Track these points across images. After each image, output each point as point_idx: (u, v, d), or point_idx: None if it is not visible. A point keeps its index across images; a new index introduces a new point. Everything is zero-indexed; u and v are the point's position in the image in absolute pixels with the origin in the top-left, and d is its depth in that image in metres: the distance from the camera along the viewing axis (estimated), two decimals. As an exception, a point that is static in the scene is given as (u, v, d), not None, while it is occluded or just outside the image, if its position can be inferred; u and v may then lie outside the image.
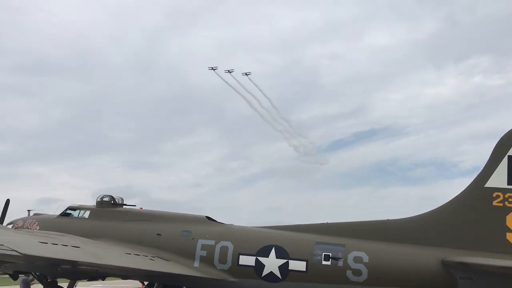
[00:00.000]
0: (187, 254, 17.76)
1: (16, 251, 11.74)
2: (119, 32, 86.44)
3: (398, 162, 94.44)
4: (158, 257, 17.53)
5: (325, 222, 17.55)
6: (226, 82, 58.37)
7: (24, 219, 21.60)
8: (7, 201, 22.93)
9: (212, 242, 17.58)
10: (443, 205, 16.41)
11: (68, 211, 20.77)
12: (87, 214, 20.28)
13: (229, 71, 58.54)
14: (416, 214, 16.90)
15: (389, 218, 17.15)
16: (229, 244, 17.32)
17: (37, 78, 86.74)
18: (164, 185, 79.64)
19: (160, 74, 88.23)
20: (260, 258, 16.78)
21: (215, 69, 58.73)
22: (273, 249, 16.71)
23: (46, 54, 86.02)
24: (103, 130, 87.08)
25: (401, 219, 16.92)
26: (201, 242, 17.75)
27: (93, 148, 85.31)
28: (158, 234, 18.52)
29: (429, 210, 16.53)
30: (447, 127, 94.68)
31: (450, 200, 16.40)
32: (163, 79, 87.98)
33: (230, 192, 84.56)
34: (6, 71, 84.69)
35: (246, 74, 58.47)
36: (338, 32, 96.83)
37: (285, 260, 16.49)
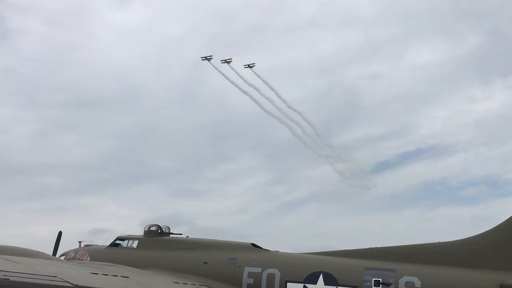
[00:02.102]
0: (233, 282, 17.66)
1: (68, 282, 12.01)
2: (163, 65, 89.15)
3: (448, 181, 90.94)
4: (205, 285, 17.50)
5: (373, 246, 17.08)
6: (222, 74, 55.79)
7: (75, 251, 22.20)
8: (60, 234, 23.69)
9: (258, 270, 17.42)
10: (498, 225, 15.62)
11: (117, 242, 21.19)
12: (135, 244, 20.63)
13: (226, 61, 55.89)
14: (469, 235, 16.14)
15: (441, 241, 16.50)
16: (275, 271, 17.11)
17: (87, 113, 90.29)
18: (209, 212, 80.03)
19: (203, 103, 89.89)
20: (308, 286, 16.45)
21: (210, 58, 55.94)
22: (321, 276, 16.36)
23: (95, 90, 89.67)
24: (149, 160, 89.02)
25: (453, 241, 16.22)
26: (247, 269, 17.63)
27: (139, 178, 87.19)
28: (204, 263, 18.55)
29: (483, 231, 15.76)
30: (497, 143, 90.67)
31: (506, 220, 15.58)
32: (206, 108, 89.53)
33: (274, 217, 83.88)
34: (58, 107, 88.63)
35: (249, 66, 55.80)
36: (378, 51, 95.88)
37: (334, 287, 16.11)
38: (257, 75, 54.24)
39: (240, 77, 53.86)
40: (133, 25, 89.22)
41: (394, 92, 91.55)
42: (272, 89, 54.01)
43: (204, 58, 56.07)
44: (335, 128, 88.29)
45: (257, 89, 53.57)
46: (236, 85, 54.19)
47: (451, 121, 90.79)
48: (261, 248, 18.86)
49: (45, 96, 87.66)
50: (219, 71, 55.45)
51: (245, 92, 53.98)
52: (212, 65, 55.51)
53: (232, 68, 55.39)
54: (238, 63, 55.28)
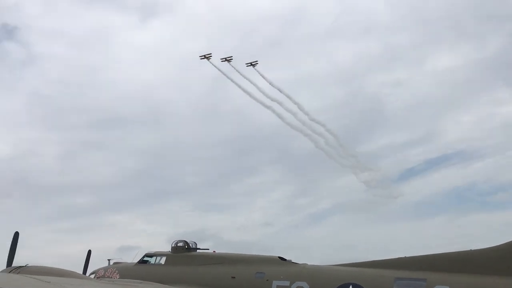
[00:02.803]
0: (262, 296, 17.59)
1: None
2: (184, 82, 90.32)
3: (476, 187, 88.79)
4: (234, 300, 17.51)
5: (403, 256, 16.80)
6: (222, 72, 53.84)
7: (105, 269, 22.50)
8: (89, 252, 24.09)
9: (286, 283, 17.31)
10: (531, 231, 15.22)
11: (146, 258, 21.41)
12: (163, 260, 20.81)
13: (226, 59, 53.80)
14: (501, 242, 15.72)
15: (472, 248, 16.13)
16: (304, 284, 16.98)
17: (112, 132, 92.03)
18: (234, 226, 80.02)
19: (224, 117, 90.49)
20: (337, 298, 16.26)
21: (209, 57, 54.00)
22: (351, 288, 16.17)
23: (119, 109, 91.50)
24: (174, 176, 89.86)
25: (485, 248, 15.78)
26: (275, 283, 17.52)
27: (165, 194, 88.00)
28: (232, 277, 18.55)
29: (516, 237, 15.34)
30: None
31: (539, 225, 15.11)
32: (228, 122, 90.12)
33: (300, 230, 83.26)
34: (84, 128, 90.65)
35: (252, 64, 53.88)
36: (399, 58, 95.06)
37: (364, 299, 15.86)
38: (279, 89, 53.30)
39: (261, 91, 53.34)
40: (154, 43, 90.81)
41: (417, 98, 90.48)
42: (295, 103, 53.41)
43: (203, 57, 54.38)
44: (358, 137, 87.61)
45: (279, 103, 52.99)
46: (252, 96, 53.59)
47: (477, 125, 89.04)
48: (288, 261, 18.76)
49: (72, 117, 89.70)
50: (219, 70, 53.65)
51: (268, 107, 53.30)
52: (212, 64, 53.90)
53: (234, 67, 53.65)
54: (240, 61, 54.99)
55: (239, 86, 53.09)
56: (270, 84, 53.13)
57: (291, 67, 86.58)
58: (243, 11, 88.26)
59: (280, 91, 53.17)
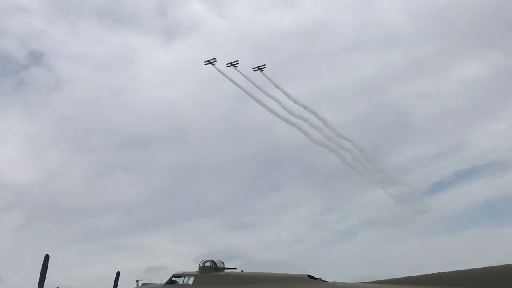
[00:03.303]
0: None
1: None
2: (207, 100, 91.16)
3: (510, 199, 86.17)
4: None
5: (436, 272, 16.30)
6: (226, 76, 52.77)
7: (134, 290, 22.50)
8: (118, 274, 24.16)
9: (317, 302, 16.97)
10: None
11: (174, 279, 21.29)
12: (191, 280, 20.66)
13: (232, 64, 52.53)
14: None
15: (509, 263, 15.54)
16: (335, 303, 16.60)
17: (137, 153, 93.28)
18: (262, 244, 79.47)
19: (247, 135, 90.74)
20: (370, 316, 15.81)
21: (214, 63, 52.71)
22: (384, 306, 15.70)
23: (144, 129, 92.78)
24: (200, 194, 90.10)
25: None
26: (306, 302, 17.22)
27: (191, 213, 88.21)
28: (261, 297, 18.30)
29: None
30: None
31: None
32: (251, 139, 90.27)
33: (329, 246, 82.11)
34: (110, 149, 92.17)
35: (259, 69, 52.60)
36: (423, 69, 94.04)
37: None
38: (304, 106, 52.73)
39: (285, 109, 52.77)
40: (176, 64, 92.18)
41: (444, 109, 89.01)
42: (320, 119, 52.87)
43: (207, 62, 53.15)
44: (384, 150, 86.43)
45: (304, 119, 52.44)
46: (277, 115, 53.14)
47: (509, 135, 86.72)
48: (318, 279, 18.42)
49: (98, 139, 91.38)
50: (224, 75, 52.81)
51: (293, 124, 52.80)
52: (217, 69, 52.94)
53: (239, 72, 52.69)
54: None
55: (264, 106, 52.39)
56: (295, 102, 52.46)
57: (313, 82, 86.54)
58: (263, 28, 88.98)
59: (305, 108, 52.53)
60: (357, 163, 53.92)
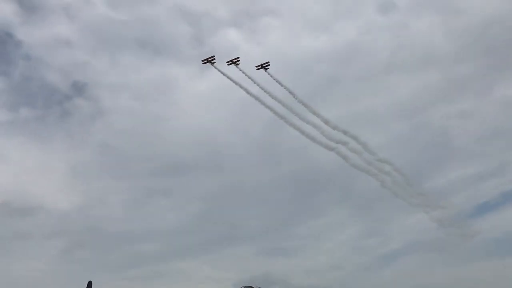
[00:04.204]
0: None
1: None
2: (243, 126, 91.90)
3: None
4: None
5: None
6: (226, 76, 51.02)
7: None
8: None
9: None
10: None
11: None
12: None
13: (232, 62, 50.31)
14: None
15: None
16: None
17: (175, 179, 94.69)
18: (301, 270, 78.21)
19: (283, 159, 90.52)
20: None
21: (213, 61, 50.36)
22: None
23: (181, 155, 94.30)
24: (237, 219, 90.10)
25: None
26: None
27: (230, 239, 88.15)
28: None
29: None
30: None
31: None
32: (288, 163, 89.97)
33: (370, 272, 79.83)
34: (149, 175, 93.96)
35: (263, 67, 51.16)
36: (463, 89, 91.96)
37: None
38: (343, 131, 51.43)
39: (322, 134, 51.61)
40: (213, 90, 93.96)
41: (486, 128, 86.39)
42: (360, 143, 51.43)
43: (205, 61, 50.92)
44: (425, 172, 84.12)
45: (344, 143, 51.09)
46: (314, 140, 51.98)
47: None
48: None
49: (138, 166, 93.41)
50: (223, 73, 50.93)
51: (331, 149, 51.45)
52: (216, 68, 50.99)
53: (240, 70, 50.48)
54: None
55: (303, 133, 50.93)
56: (333, 128, 51.02)
57: (350, 104, 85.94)
58: (297, 53, 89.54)
59: (345, 133, 51.15)
60: (397, 187, 52.44)
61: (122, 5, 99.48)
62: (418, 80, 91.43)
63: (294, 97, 51.62)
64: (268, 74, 51.78)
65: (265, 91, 51.91)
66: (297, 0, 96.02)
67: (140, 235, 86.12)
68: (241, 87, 52.03)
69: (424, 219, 63.82)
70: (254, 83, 51.60)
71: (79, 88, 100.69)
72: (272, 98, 51.99)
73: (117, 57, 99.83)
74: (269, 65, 51.41)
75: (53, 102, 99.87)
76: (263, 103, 52.59)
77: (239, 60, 50.35)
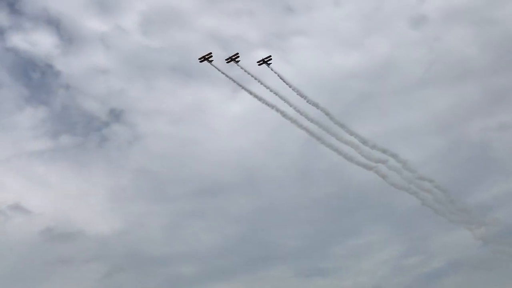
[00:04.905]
0: None
1: None
2: (277, 146, 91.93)
3: None
4: None
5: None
6: (227, 76, 47.86)
7: None
8: None
9: None
10: None
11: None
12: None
13: (232, 58, 47.07)
14: None
15: None
16: None
17: (211, 200, 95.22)
18: (340, 292, 76.56)
19: (319, 178, 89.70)
20: None
21: (210, 59, 47.07)
22: None
23: (217, 177, 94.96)
24: (274, 240, 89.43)
25: None
26: None
27: (267, 259, 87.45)
28: None
29: None
30: None
31: None
32: (323, 183, 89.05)
33: (413, 292, 77.37)
34: (186, 198, 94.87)
35: (265, 61, 48.57)
36: (502, 101, 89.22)
37: None
38: (383, 149, 50.49)
39: (361, 154, 50.59)
40: (246, 112, 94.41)
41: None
42: (399, 161, 50.30)
43: (202, 59, 47.64)
44: (466, 187, 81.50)
45: (383, 161, 50.08)
46: (352, 160, 50.93)
47: None
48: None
49: (174, 188, 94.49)
50: (221, 72, 47.82)
51: (371, 167, 50.43)
52: (214, 66, 47.81)
53: (241, 67, 47.59)
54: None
55: (340, 153, 49.93)
56: (372, 148, 49.79)
57: (385, 120, 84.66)
58: (329, 71, 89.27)
59: (384, 151, 50.15)
60: (438, 204, 51.01)
61: (156, 33, 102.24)
62: (454, 93, 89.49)
63: (328, 116, 50.75)
64: (271, 69, 49.91)
65: (298, 111, 51.44)
66: (327, 18, 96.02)
67: (177, 258, 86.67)
68: (277, 110, 51.65)
69: (467, 236, 61.55)
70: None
71: (116, 115, 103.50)
72: (306, 117, 51.70)
73: (152, 83, 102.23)
74: (271, 59, 49.15)
75: (92, 129, 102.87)
76: (298, 124, 52.10)
77: (238, 57, 47.44)
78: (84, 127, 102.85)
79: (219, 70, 48.17)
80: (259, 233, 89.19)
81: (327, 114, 50.88)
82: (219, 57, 49.06)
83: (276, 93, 50.92)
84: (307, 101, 50.22)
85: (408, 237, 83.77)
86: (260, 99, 51.07)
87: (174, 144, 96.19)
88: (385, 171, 50.75)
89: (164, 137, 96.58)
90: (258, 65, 49.05)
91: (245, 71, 48.62)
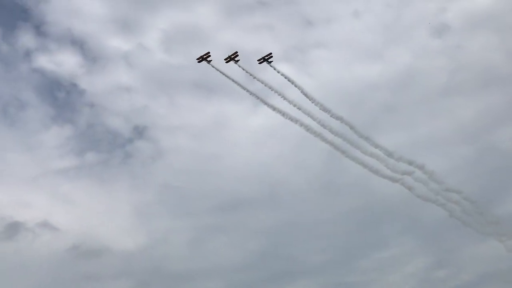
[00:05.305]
0: None
1: None
2: (299, 159, 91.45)
3: None
4: None
5: None
6: (223, 73, 46.97)
7: None
8: None
9: None
10: None
11: None
12: None
13: (231, 58, 46.23)
14: None
15: None
16: None
17: (234, 215, 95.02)
18: (366, 306, 75.11)
19: (343, 191, 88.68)
20: None
21: (208, 59, 46.33)
22: None
23: (239, 192, 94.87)
24: (298, 254, 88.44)
25: None
26: None
27: (291, 274, 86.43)
28: None
29: None
30: None
31: None
32: (347, 196, 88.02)
33: (443, 306, 75.40)
34: (209, 213, 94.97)
35: (265, 59, 47.57)
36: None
37: None
38: (409, 161, 49.54)
39: (386, 167, 49.74)
40: (267, 126, 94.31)
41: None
42: (426, 172, 49.38)
43: (200, 59, 47.08)
44: (495, 197, 79.39)
45: (409, 173, 49.20)
46: (377, 173, 50.16)
47: None
48: None
49: (197, 204, 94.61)
50: (221, 72, 47.20)
51: (396, 180, 49.58)
52: (212, 66, 47.21)
53: (240, 66, 47.02)
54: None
55: (366, 166, 49.13)
56: (398, 160, 48.91)
57: (409, 131, 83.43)
58: (351, 83, 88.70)
59: (410, 163, 49.31)
60: (467, 216, 49.79)
61: (177, 50, 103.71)
62: (479, 101, 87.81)
63: (353, 129, 50.21)
64: (272, 67, 49.16)
65: (321, 125, 51.08)
66: (347, 30, 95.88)
67: (201, 273, 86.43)
68: (301, 124, 51.74)
69: (498, 248, 59.79)
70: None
71: (139, 131, 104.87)
72: (330, 131, 51.19)
73: (175, 99, 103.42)
74: (271, 56, 48.19)
75: (116, 146, 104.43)
76: (322, 138, 51.63)
77: (237, 56, 46.62)
78: (108, 144, 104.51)
79: (217, 70, 47.78)
80: (282, 248, 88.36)
81: (351, 127, 50.23)
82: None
83: (299, 108, 50.45)
84: (331, 115, 49.58)
85: (435, 250, 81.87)
86: (283, 114, 50.65)
87: (197, 159, 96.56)
88: (411, 183, 49.85)
89: (187, 152, 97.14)
90: (259, 63, 48.66)
91: (266, 85, 49.20)
